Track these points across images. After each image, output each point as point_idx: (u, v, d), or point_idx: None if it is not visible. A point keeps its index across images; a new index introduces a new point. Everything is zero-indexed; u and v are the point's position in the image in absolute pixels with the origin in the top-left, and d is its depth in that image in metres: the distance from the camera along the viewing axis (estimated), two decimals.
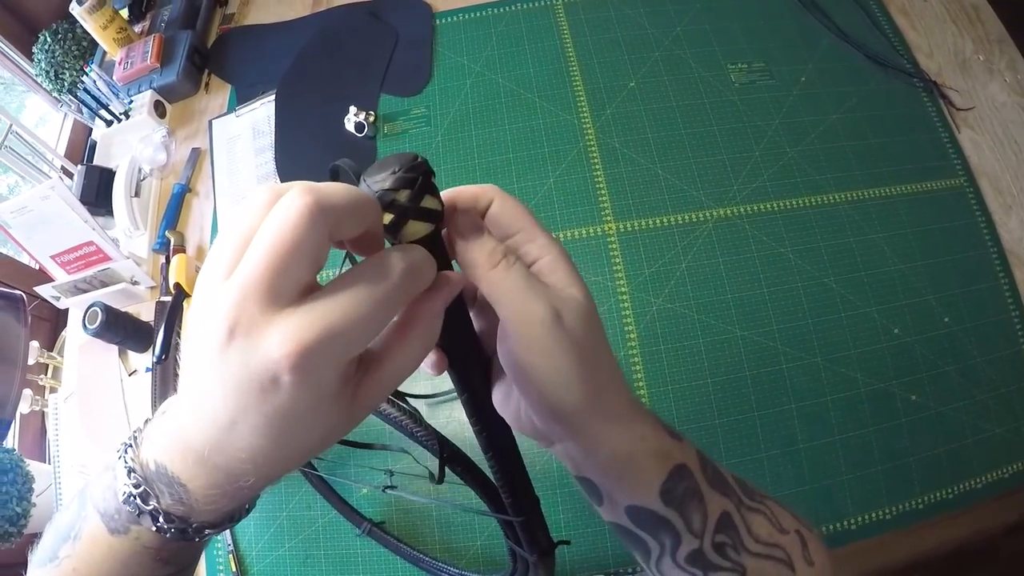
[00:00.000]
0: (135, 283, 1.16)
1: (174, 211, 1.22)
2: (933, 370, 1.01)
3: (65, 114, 1.37)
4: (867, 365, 1.01)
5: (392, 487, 0.79)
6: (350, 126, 1.19)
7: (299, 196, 0.30)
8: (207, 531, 0.38)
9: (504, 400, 0.47)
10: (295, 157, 1.20)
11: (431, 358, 0.43)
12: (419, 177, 0.35)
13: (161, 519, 0.37)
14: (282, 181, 1.14)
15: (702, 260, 1.07)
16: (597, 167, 1.14)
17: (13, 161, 1.16)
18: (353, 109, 1.19)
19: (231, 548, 1.02)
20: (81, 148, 1.37)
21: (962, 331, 1.03)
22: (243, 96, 1.30)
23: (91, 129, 1.33)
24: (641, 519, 0.46)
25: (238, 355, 0.30)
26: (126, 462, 0.38)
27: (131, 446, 0.38)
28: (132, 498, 0.37)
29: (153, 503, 0.37)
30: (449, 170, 1.16)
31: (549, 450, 0.48)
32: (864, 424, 0.99)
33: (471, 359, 0.46)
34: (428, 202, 0.36)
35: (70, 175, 1.27)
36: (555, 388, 0.41)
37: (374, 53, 1.28)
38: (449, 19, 1.31)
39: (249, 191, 1.20)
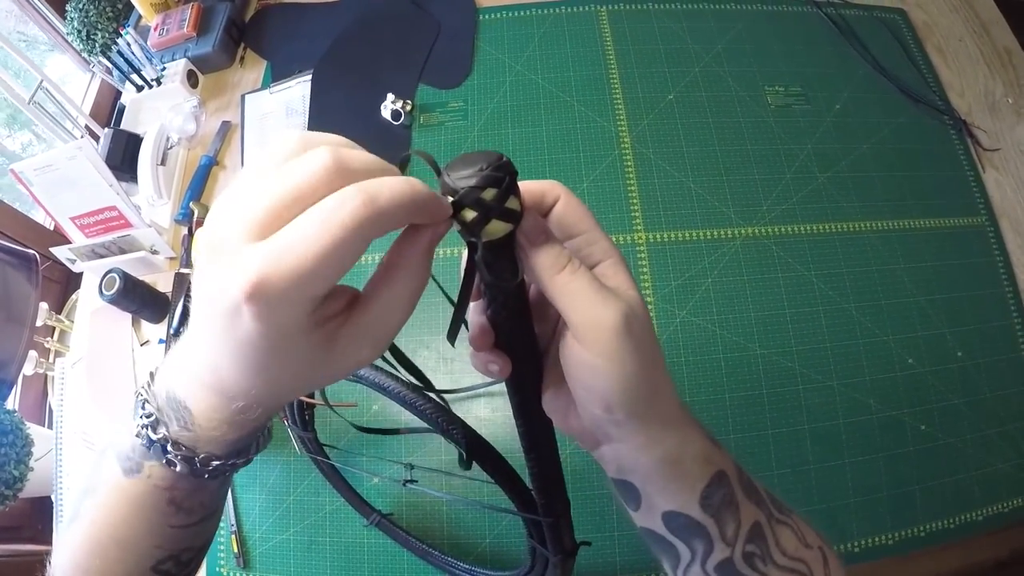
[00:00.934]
0: (155, 252, 1.18)
1: (200, 183, 1.24)
2: (943, 402, 1.06)
3: (92, 76, 1.38)
4: (880, 392, 1.06)
5: (412, 480, 0.81)
6: (386, 113, 1.22)
7: (357, 196, 0.31)
8: (214, 463, 0.41)
9: (553, 400, 0.47)
10: None
11: (497, 362, 0.45)
12: (506, 177, 0.36)
13: (169, 448, 0.40)
14: None
15: (728, 277, 1.12)
16: (631, 176, 1.18)
17: (40, 118, 1.17)
18: (391, 96, 1.21)
19: (234, 529, 1.04)
20: (106, 111, 1.38)
21: (973, 366, 1.09)
22: (278, 73, 1.32)
23: (119, 93, 1.34)
24: (677, 525, 0.47)
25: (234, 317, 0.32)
26: (142, 395, 0.41)
27: (149, 382, 0.42)
28: (145, 429, 0.40)
29: (163, 431, 0.40)
30: None
31: (591, 453, 0.49)
32: (874, 449, 1.04)
33: (529, 360, 0.46)
34: (511, 202, 0.37)
35: (96, 137, 1.28)
36: (618, 391, 0.42)
37: (415, 42, 1.31)
38: (492, 15, 1.35)
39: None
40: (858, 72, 1.29)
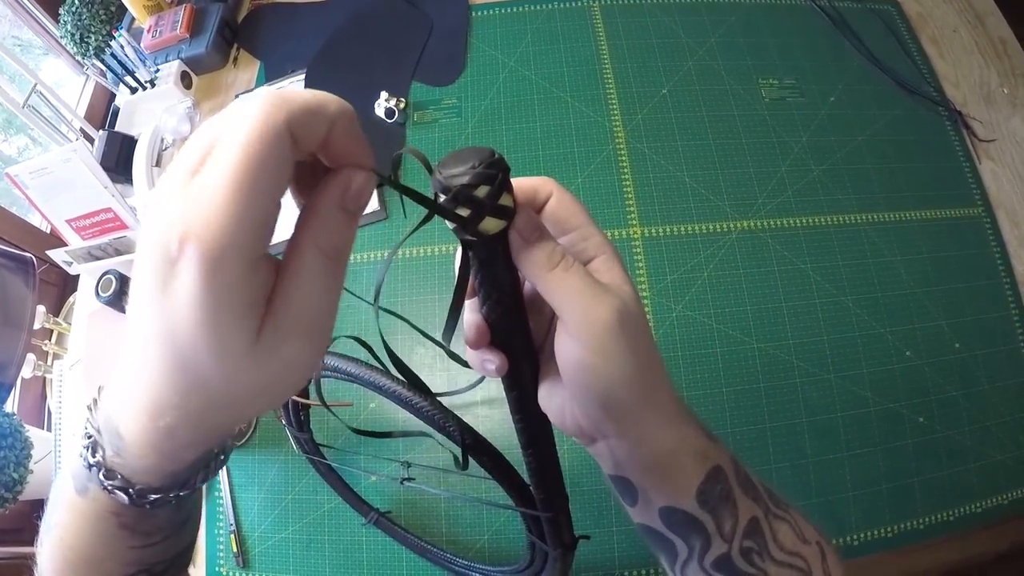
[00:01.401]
0: None
1: None
2: (941, 394, 1.08)
3: (87, 78, 1.40)
4: (878, 385, 1.08)
5: (410, 479, 0.82)
6: (380, 111, 1.24)
7: (265, 101, 0.29)
8: (151, 496, 0.38)
9: (549, 397, 0.47)
10: None
11: (494, 360, 0.45)
12: (499, 173, 0.36)
13: (102, 475, 0.37)
14: None
15: (724, 270, 1.13)
16: (625, 171, 1.20)
17: (35, 121, 1.19)
18: (384, 94, 1.23)
19: (232, 528, 1.05)
20: (101, 113, 1.40)
21: (971, 358, 1.10)
22: (272, 73, 1.34)
23: (113, 95, 1.36)
24: (674, 521, 0.48)
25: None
26: (89, 416, 0.39)
27: (96, 399, 0.39)
28: (86, 451, 0.38)
29: (99, 456, 0.38)
30: None
31: (587, 448, 0.50)
32: (872, 442, 1.05)
33: (525, 357, 0.47)
34: (504, 199, 0.37)
35: (90, 140, 1.30)
36: (613, 387, 0.42)
37: (408, 39, 1.33)
38: (485, 12, 1.36)
39: None
40: (852, 64, 1.31)
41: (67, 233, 1.20)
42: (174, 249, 0.27)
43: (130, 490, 0.38)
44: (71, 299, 1.28)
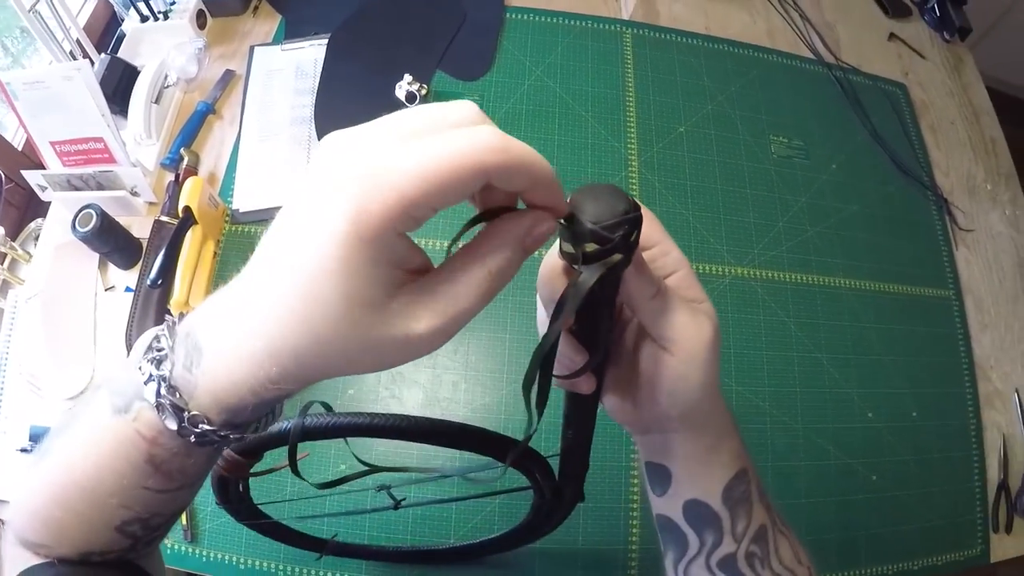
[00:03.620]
0: (135, 194, 1.20)
1: (193, 129, 1.28)
2: (895, 456, 1.24)
3: None
4: (840, 440, 1.22)
5: (400, 501, 0.84)
6: (401, 93, 1.30)
7: (492, 133, 0.33)
8: (202, 426, 0.39)
9: (612, 396, 0.54)
10: (337, 109, 1.30)
11: (586, 378, 0.49)
12: (639, 219, 0.39)
13: (163, 390, 0.39)
14: (318, 131, 1.26)
15: None
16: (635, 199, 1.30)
17: (38, 30, 1.18)
18: (408, 77, 1.29)
19: None
20: (98, 34, 1.40)
21: (926, 427, 1.27)
22: (292, 31, 1.39)
23: (120, 20, 1.37)
24: (695, 514, 0.55)
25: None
26: (160, 330, 0.41)
27: (175, 321, 0.41)
28: (149, 363, 0.40)
29: (165, 368, 0.39)
30: None
31: (634, 436, 0.59)
32: (828, 493, 1.19)
33: (601, 362, 0.51)
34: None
35: (90, 60, 1.30)
36: (701, 393, 0.49)
37: (439, 27, 1.41)
38: (520, 16, 1.46)
39: (282, 130, 1.29)
40: (857, 137, 1.49)
41: (48, 156, 1.19)
42: (357, 188, 0.32)
43: (185, 413, 0.39)
44: (32, 225, 1.26)
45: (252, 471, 0.71)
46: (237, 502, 0.77)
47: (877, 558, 1.18)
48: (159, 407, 0.39)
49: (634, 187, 1.32)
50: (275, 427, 0.61)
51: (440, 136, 0.33)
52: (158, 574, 0.56)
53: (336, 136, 0.35)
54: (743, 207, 1.36)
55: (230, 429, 0.41)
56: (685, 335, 0.47)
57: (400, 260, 0.35)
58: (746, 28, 1.57)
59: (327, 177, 0.33)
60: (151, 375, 0.39)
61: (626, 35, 1.48)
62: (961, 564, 1.22)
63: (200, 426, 0.39)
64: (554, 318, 0.41)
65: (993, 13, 2.84)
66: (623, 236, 0.38)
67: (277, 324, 0.35)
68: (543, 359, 0.41)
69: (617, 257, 0.39)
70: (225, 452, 0.65)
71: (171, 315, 0.44)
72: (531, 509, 0.82)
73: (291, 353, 0.35)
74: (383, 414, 0.64)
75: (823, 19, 1.63)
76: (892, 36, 1.66)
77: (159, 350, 0.40)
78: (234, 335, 0.37)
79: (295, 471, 0.64)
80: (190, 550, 1.05)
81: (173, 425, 0.39)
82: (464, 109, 0.35)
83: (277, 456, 0.66)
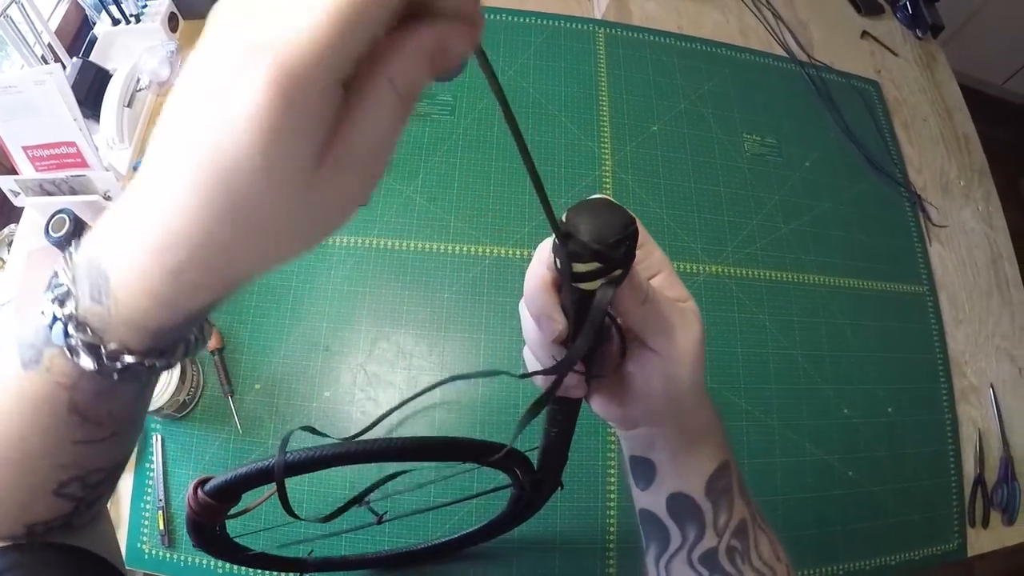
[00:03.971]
0: (108, 198, 1.20)
1: None
2: (870, 452, 1.25)
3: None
4: (816, 436, 1.24)
5: (381, 516, 0.84)
6: None
7: None
8: (125, 358, 0.36)
9: (599, 395, 0.54)
10: None
11: (579, 383, 0.51)
12: (636, 233, 0.40)
13: (71, 329, 0.35)
14: None
15: None
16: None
17: (9, 34, 1.19)
18: None
19: (161, 504, 1.06)
20: (69, 38, 1.41)
21: (901, 422, 1.29)
22: None
23: (92, 23, 1.37)
24: (678, 507, 0.56)
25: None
26: (61, 265, 0.37)
27: (71, 252, 0.37)
28: (52, 304, 0.36)
29: (70, 306, 0.36)
30: (466, 167, 1.31)
31: (621, 432, 0.59)
32: (804, 489, 1.20)
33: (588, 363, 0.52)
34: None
35: (61, 64, 1.30)
36: (690, 390, 0.50)
37: None
38: (492, 16, 1.47)
39: None
40: (830, 134, 1.51)
41: (21, 161, 1.19)
42: (246, 56, 0.26)
43: (101, 348, 0.36)
44: (5, 231, 1.26)
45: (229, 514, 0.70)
46: (214, 543, 0.76)
47: (854, 553, 1.20)
48: (70, 350, 0.36)
49: (607, 186, 1.34)
50: (254, 465, 0.60)
51: None
52: (112, 555, 0.54)
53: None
54: (717, 205, 1.37)
55: (155, 357, 0.38)
56: (675, 336, 0.48)
57: (326, 121, 0.28)
58: (719, 27, 1.59)
59: (226, 40, 0.28)
60: (55, 316, 0.36)
61: (599, 35, 1.49)
62: (938, 558, 1.24)
63: (122, 359, 0.37)
64: (575, 338, 0.43)
65: (965, 10, 2.89)
66: (624, 252, 0.39)
67: (187, 211, 0.29)
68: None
69: (619, 272, 0.40)
70: (200, 498, 0.63)
71: (69, 246, 0.36)
72: (509, 500, 0.83)
73: (210, 246, 0.31)
74: (366, 440, 0.62)
75: (796, 17, 1.66)
76: (865, 34, 1.69)
77: (59, 287, 0.36)
78: (140, 243, 0.32)
79: (289, 511, 0.63)
80: (168, 555, 1.05)
81: (91, 365, 0.36)
82: None
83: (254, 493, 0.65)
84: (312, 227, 0.32)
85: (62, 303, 0.36)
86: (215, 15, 0.30)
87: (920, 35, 1.72)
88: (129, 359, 0.36)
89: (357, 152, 0.30)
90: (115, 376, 0.37)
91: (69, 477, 0.45)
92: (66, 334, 0.36)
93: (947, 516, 1.26)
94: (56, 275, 0.37)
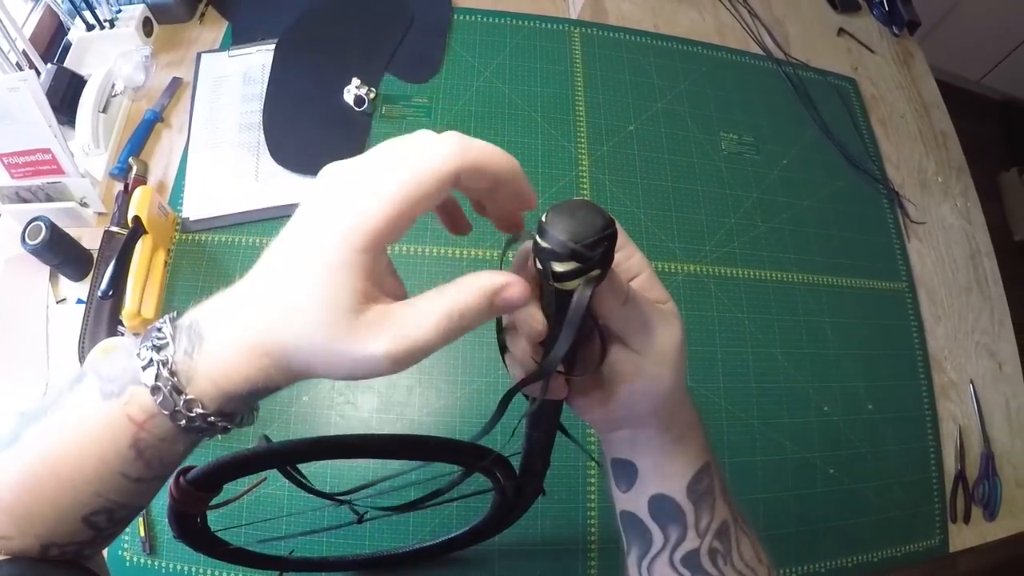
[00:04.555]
0: (84, 205, 1.22)
1: (141, 137, 1.30)
2: (852, 449, 1.26)
3: (34, 5, 1.41)
4: (796, 435, 1.25)
5: (362, 514, 0.85)
6: (349, 97, 1.33)
7: (452, 142, 0.41)
8: (196, 410, 0.43)
9: (581, 398, 0.55)
10: (285, 114, 1.32)
11: (560, 384, 0.52)
12: (615, 234, 0.41)
13: (163, 371, 0.42)
14: (267, 137, 1.28)
15: None
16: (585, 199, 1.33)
17: None
18: (356, 81, 1.32)
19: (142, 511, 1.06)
20: (44, 44, 1.41)
21: (882, 419, 1.30)
22: (239, 37, 1.41)
23: (62, 28, 1.39)
24: (659, 509, 0.57)
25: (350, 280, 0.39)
26: (161, 321, 0.45)
27: (178, 313, 0.46)
28: (149, 350, 0.43)
29: (166, 353, 0.43)
30: None
31: (603, 434, 0.60)
32: (785, 488, 1.21)
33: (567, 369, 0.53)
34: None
35: (36, 71, 1.31)
36: (671, 390, 0.51)
37: (386, 29, 1.44)
38: (468, 17, 1.49)
39: (230, 137, 1.31)
40: (807, 132, 1.52)
41: None
42: (350, 207, 0.39)
43: (182, 396, 0.43)
44: None
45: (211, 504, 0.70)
46: (195, 535, 0.76)
47: (836, 551, 1.21)
48: (155, 390, 0.42)
49: (584, 186, 1.35)
50: (238, 453, 0.61)
51: (409, 159, 0.40)
52: (103, 573, 0.57)
53: (334, 166, 0.43)
54: (694, 204, 1.38)
55: (220, 417, 0.44)
56: (655, 338, 0.49)
57: (379, 278, 0.41)
58: (695, 25, 1.61)
59: (328, 197, 0.41)
60: (151, 360, 0.43)
61: (574, 35, 1.51)
62: (920, 555, 1.25)
63: (194, 410, 0.43)
64: (552, 342, 0.45)
65: (943, 6, 2.92)
66: (603, 252, 0.40)
67: (269, 321, 0.41)
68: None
69: (597, 272, 0.41)
70: (182, 486, 0.63)
71: (172, 313, 0.46)
72: (491, 506, 0.84)
73: (279, 348, 0.41)
74: (365, 435, 0.64)
75: (772, 15, 1.67)
76: (841, 31, 1.71)
77: (160, 338, 0.44)
78: (235, 326, 0.42)
79: (302, 484, 0.70)
80: (149, 562, 1.05)
81: (168, 408, 0.43)
82: (422, 134, 0.42)
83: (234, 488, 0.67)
84: (351, 369, 0.41)
85: (159, 350, 0.43)
86: (326, 175, 0.43)
87: (897, 32, 1.74)
88: (199, 410, 0.43)
89: (395, 330, 0.40)
90: (183, 423, 0.43)
91: (101, 507, 0.48)
92: (157, 376, 0.43)
93: (928, 512, 1.27)
94: (159, 328, 0.44)
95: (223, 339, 0.42)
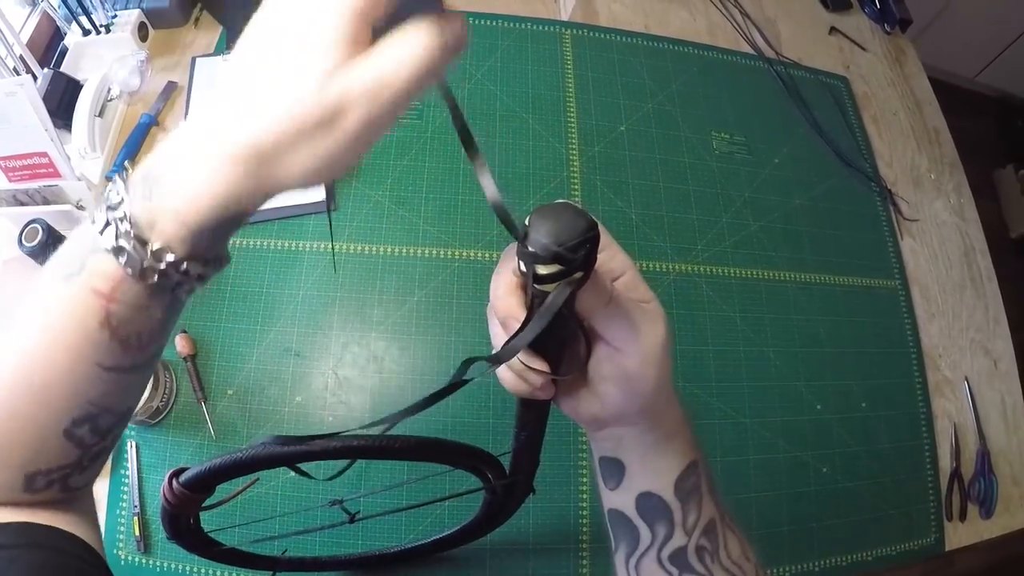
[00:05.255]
0: (80, 207, 1.24)
1: (137, 141, 1.32)
2: (845, 448, 1.27)
3: (35, 7, 1.43)
4: (789, 433, 1.25)
5: (354, 514, 0.85)
6: None
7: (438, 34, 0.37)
8: (167, 257, 0.41)
9: (567, 397, 0.55)
10: None
11: (546, 385, 0.51)
12: (597, 237, 0.42)
13: (123, 225, 0.40)
14: None
15: None
16: (577, 200, 1.35)
17: None
18: None
19: (137, 510, 1.07)
20: (41, 49, 1.44)
21: (875, 418, 1.31)
22: (233, 41, 1.38)
23: (59, 33, 1.42)
24: (647, 507, 0.57)
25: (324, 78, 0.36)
26: (113, 185, 0.42)
27: (127, 170, 0.43)
28: (104, 207, 0.41)
29: (123, 209, 0.40)
30: (434, 170, 1.34)
31: (591, 432, 0.60)
32: (778, 487, 1.22)
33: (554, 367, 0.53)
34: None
35: (32, 75, 1.33)
36: (657, 389, 0.51)
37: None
38: None
39: None
40: (799, 130, 1.53)
41: None
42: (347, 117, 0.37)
43: (148, 246, 0.40)
44: None
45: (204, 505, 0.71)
46: (188, 536, 0.78)
47: (830, 549, 1.22)
48: (118, 251, 0.40)
49: (576, 187, 1.37)
50: (229, 456, 0.62)
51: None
52: (94, 541, 0.54)
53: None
54: (686, 204, 1.40)
55: (193, 261, 0.42)
56: (639, 337, 0.49)
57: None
58: (686, 25, 1.62)
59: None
60: (108, 220, 0.40)
61: (565, 36, 1.53)
62: (916, 554, 1.25)
63: (164, 260, 0.40)
64: (520, 335, 0.44)
65: (935, 4, 2.93)
66: (585, 255, 0.41)
67: (240, 118, 0.38)
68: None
69: (579, 275, 0.42)
70: (176, 489, 0.65)
71: (124, 172, 0.42)
72: (482, 505, 0.85)
73: (251, 143, 0.38)
74: (362, 435, 0.64)
75: (763, 14, 1.69)
76: (833, 30, 1.72)
77: (115, 195, 0.41)
78: (196, 147, 0.39)
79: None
80: (144, 561, 1.06)
81: (134, 266, 0.40)
82: None
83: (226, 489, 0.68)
84: (327, 157, 0.38)
85: (115, 208, 0.40)
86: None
87: (888, 30, 1.75)
88: (169, 258, 0.40)
89: (364, 83, 0.37)
90: (154, 280, 0.41)
91: (83, 414, 0.47)
92: (116, 234, 0.40)
93: (924, 511, 1.28)
94: (110, 188, 0.41)
95: (184, 166, 0.40)
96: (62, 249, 0.44)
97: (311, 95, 0.36)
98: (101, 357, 0.44)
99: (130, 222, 0.40)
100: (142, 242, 0.40)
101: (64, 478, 0.50)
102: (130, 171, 0.42)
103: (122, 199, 0.40)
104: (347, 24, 0.36)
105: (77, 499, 0.54)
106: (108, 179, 1.28)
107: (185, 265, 0.41)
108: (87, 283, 0.42)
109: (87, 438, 0.48)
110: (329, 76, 0.36)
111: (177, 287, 0.43)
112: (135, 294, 0.42)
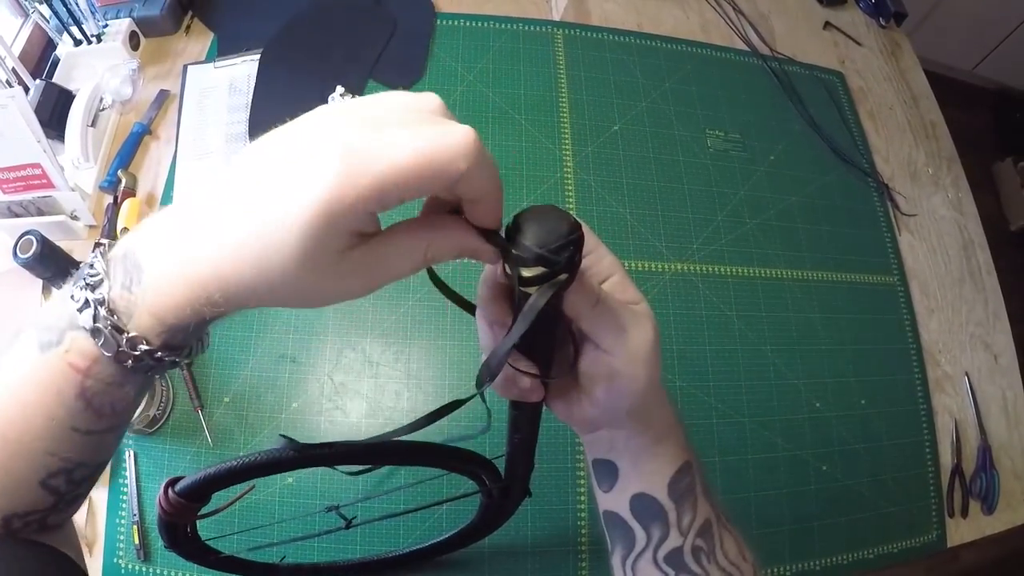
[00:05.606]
0: (75, 218, 1.25)
1: (130, 150, 1.33)
2: (845, 446, 1.26)
3: (26, 19, 1.44)
4: (788, 432, 1.25)
5: (350, 520, 0.85)
6: None
7: (473, 136, 0.36)
8: (141, 347, 0.41)
9: (558, 399, 0.56)
10: (270, 124, 1.30)
11: (536, 387, 0.52)
12: (581, 239, 0.42)
13: (102, 311, 0.40)
14: None
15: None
16: (571, 200, 1.35)
17: None
18: (340, 89, 1.35)
19: (136, 519, 1.08)
20: (33, 60, 1.44)
21: (875, 414, 1.30)
22: (224, 48, 1.43)
23: (51, 44, 1.43)
24: (641, 508, 0.58)
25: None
26: (92, 256, 0.42)
27: (109, 245, 0.43)
28: (83, 289, 0.41)
29: (102, 291, 0.40)
30: None
31: (583, 435, 0.61)
32: (778, 486, 1.22)
33: (544, 369, 0.54)
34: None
35: (24, 87, 1.34)
36: (647, 390, 0.52)
37: (369, 36, 1.46)
38: (450, 22, 1.50)
39: (217, 148, 1.33)
40: (794, 127, 1.53)
41: None
42: (335, 160, 0.34)
43: (124, 335, 0.40)
44: None
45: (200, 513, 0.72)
46: (186, 544, 0.77)
47: (831, 548, 1.21)
48: (95, 332, 0.40)
49: (569, 187, 1.36)
50: (223, 465, 0.63)
51: (417, 128, 0.36)
52: (76, 555, 0.55)
53: (327, 110, 0.40)
54: (681, 203, 1.39)
55: (168, 351, 0.42)
56: (627, 339, 0.49)
57: (358, 230, 0.38)
58: (679, 23, 1.62)
59: (313, 147, 0.36)
60: (87, 300, 0.40)
61: (557, 36, 1.52)
62: (918, 550, 1.25)
63: (139, 348, 0.41)
64: (505, 339, 0.45)
65: None
66: (568, 257, 0.41)
67: (232, 260, 0.38)
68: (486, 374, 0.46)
69: (563, 277, 0.42)
70: (171, 498, 0.65)
71: (103, 246, 0.43)
72: (479, 509, 0.86)
73: (238, 284, 0.38)
74: (348, 443, 0.64)
75: (757, 11, 1.68)
76: (827, 24, 1.71)
77: (93, 275, 0.41)
78: (180, 257, 0.39)
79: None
80: (144, 569, 1.07)
81: (111, 349, 0.41)
82: (432, 102, 0.40)
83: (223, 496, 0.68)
84: (322, 300, 0.40)
85: (94, 289, 0.41)
86: (317, 118, 0.40)
87: (883, 23, 1.75)
88: (144, 347, 0.41)
89: (375, 275, 0.40)
90: (130, 363, 0.42)
91: (58, 468, 0.47)
92: (95, 317, 0.40)
93: (925, 507, 1.27)
94: (91, 265, 0.42)
95: (166, 270, 0.40)
96: (42, 314, 0.44)
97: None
98: (76, 423, 0.45)
99: (108, 309, 0.40)
100: (118, 330, 0.40)
101: (42, 519, 0.50)
102: (107, 247, 0.42)
103: (101, 278, 0.41)
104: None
105: (57, 530, 0.54)
106: (102, 189, 1.29)
107: (159, 354, 0.42)
108: (64, 357, 0.42)
109: (62, 487, 0.48)
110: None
111: (150, 369, 0.43)
112: (110, 372, 0.43)
